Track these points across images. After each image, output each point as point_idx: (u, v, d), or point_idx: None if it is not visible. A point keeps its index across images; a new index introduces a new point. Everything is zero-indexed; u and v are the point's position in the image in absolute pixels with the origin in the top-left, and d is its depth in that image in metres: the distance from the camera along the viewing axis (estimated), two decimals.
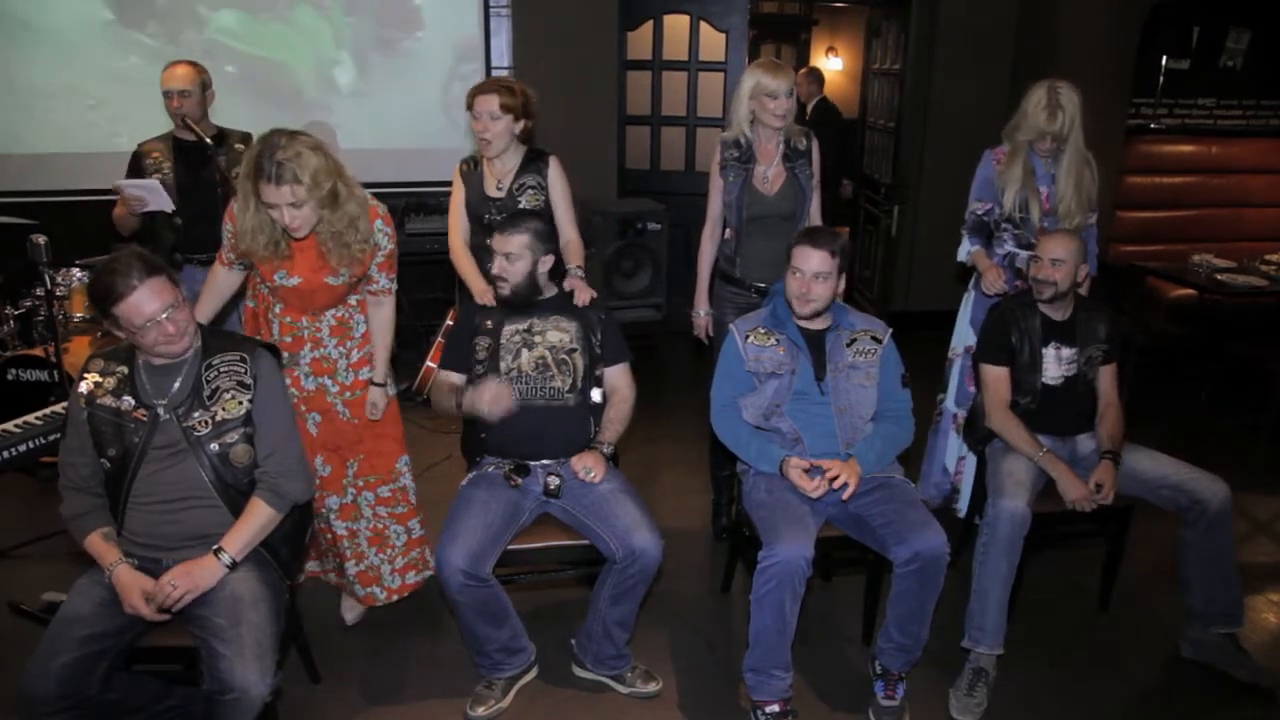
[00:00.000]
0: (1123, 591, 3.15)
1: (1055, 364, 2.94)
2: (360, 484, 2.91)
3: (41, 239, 3.37)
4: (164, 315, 2.15)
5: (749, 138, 3.23)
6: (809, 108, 6.69)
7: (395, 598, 3.01)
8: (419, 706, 2.68)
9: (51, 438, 2.93)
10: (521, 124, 3.08)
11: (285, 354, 2.72)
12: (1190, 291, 5.08)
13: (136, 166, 3.64)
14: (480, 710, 2.61)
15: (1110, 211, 5.60)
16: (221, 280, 2.79)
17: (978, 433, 3.07)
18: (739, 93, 3.20)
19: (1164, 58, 5.64)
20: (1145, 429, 3.25)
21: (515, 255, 2.69)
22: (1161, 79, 5.68)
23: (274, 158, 2.41)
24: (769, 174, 3.22)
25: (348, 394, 2.83)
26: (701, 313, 3.43)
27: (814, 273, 2.63)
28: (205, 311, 2.78)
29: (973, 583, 2.72)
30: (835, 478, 2.53)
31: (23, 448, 2.87)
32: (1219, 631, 2.81)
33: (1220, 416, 4.89)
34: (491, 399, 2.59)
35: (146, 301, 2.13)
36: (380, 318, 2.84)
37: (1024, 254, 3.25)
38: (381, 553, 2.97)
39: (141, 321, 2.14)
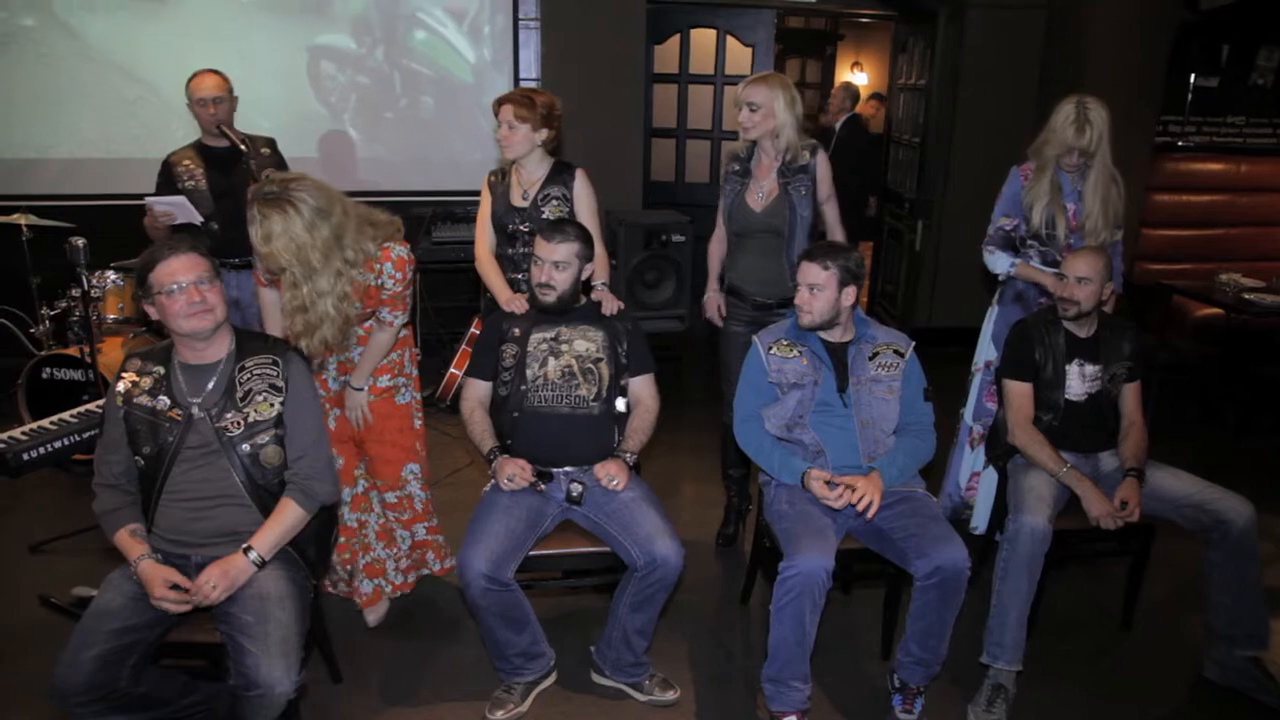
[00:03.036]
0: (1145, 611, 3.13)
1: (1079, 381, 2.93)
2: (369, 482, 2.99)
3: (80, 241, 3.44)
4: (192, 282, 2.21)
5: (748, 151, 3.31)
6: (838, 124, 6.70)
7: (398, 593, 3.10)
8: (438, 709, 2.70)
9: (85, 435, 2.98)
10: (543, 133, 3.11)
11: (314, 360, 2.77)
12: (1217, 311, 5.04)
13: (167, 175, 3.71)
14: (499, 714, 2.62)
15: (1136, 229, 5.57)
16: (268, 299, 2.85)
17: (999, 448, 3.06)
18: None
19: (1193, 75, 5.62)
20: (1169, 448, 3.23)
21: (565, 263, 2.72)
22: (1190, 96, 5.66)
23: (264, 195, 2.45)
24: (763, 189, 3.25)
25: (371, 396, 2.89)
26: (711, 293, 3.52)
27: (808, 285, 2.67)
28: (276, 331, 2.85)
29: (992, 598, 2.72)
30: (861, 498, 2.53)
31: (57, 444, 2.92)
32: (1243, 654, 2.79)
33: (1246, 437, 4.85)
34: (508, 477, 2.63)
35: (179, 268, 2.20)
36: (377, 338, 2.84)
37: (1049, 271, 3.24)
38: (389, 549, 3.05)
39: (171, 284, 2.19)
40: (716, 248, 3.48)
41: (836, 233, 3.32)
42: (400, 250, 2.74)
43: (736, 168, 3.32)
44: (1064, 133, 3.11)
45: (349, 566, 3.05)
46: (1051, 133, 3.16)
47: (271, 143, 3.86)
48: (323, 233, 2.49)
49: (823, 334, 2.74)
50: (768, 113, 3.16)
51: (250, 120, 3.91)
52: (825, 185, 3.27)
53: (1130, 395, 2.98)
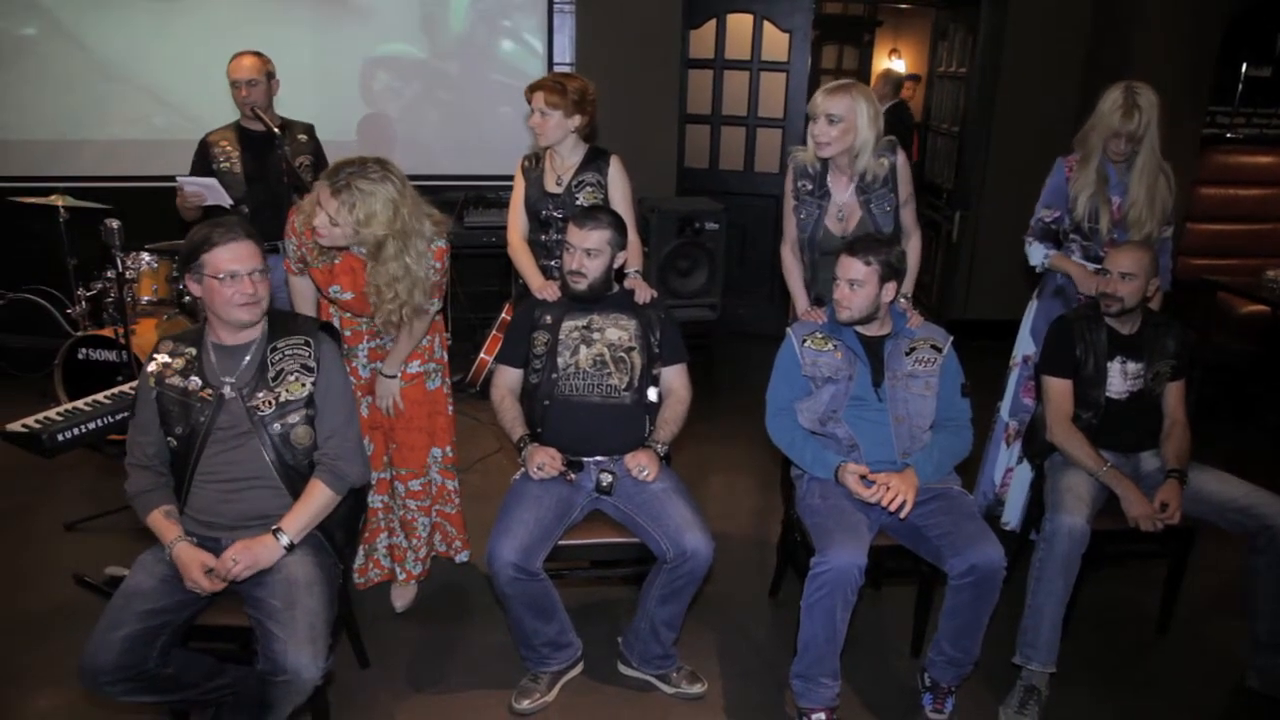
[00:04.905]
0: (1183, 615, 3.06)
1: (1121, 378, 2.86)
2: (396, 471, 2.99)
3: (115, 223, 3.45)
4: (249, 272, 2.21)
5: (819, 167, 3.00)
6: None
7: (412, 581, 3.10)
8: (465, 696, 2.70)
9: (119, 416, 3.00)
10: (576, 120, 3.07)
11: (345, 346, 2.78)
12: (1262, 308, 4.93)
13: (204, 155, 3.72)
14: (525, 703, 2.62)
15: (1181, 223, 5.45)
16: (299, 287, 2.86)
17: (1037, 445, 3.00)
18: None
19: (1244, 65, 5.47)
20: (1211, 449, 3.14)
21: (596, 250, 2.70)
22: (1240, 87, 5.51)
23: (350, 174, 2.46)
24: (843, 210, 3.00)
25: (402, 382, 2.89)
26: (808, 312, 2.97)
27: (848, 280, 2.61)
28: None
29: (1027, 598, 2.67)
30: (894, 498, 2.48)
31: (91, 425, 2.94)
32: None
33: None
34: (537, 466, 2.61)
35: (240, 256, 2.21)
36: (411, 324, 2.82)
37: (1090, 266, 3.17)
38: (410, 539, 3.04)
39: (228, 271, 2.19)
40: (794, 263, 3.16)
41: (913, 236, 3.12)
42: (440, 241, 2.75)
43: (810, 187, 3.01)
44: (1111, 117, 3.02)
45: (367, 545, 3.06)
46: (1099, 117, 3.07)
47: (310, 129, 3.86)
48: (409, 196, 2.58)
49: (859, 328, 2.69)
50: (849, 127, 2.85)
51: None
52: (906, 187, 3.01)
53: (1173, 394, 2.91)
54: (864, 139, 2.89)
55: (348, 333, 2.85)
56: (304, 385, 2.32)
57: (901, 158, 3.02)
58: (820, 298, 3.13)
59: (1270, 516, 2.63)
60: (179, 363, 2.30)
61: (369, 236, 2.52)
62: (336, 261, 2.70)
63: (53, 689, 2.65)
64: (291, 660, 2.05)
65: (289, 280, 2.87)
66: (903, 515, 2.50)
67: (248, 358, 2.31)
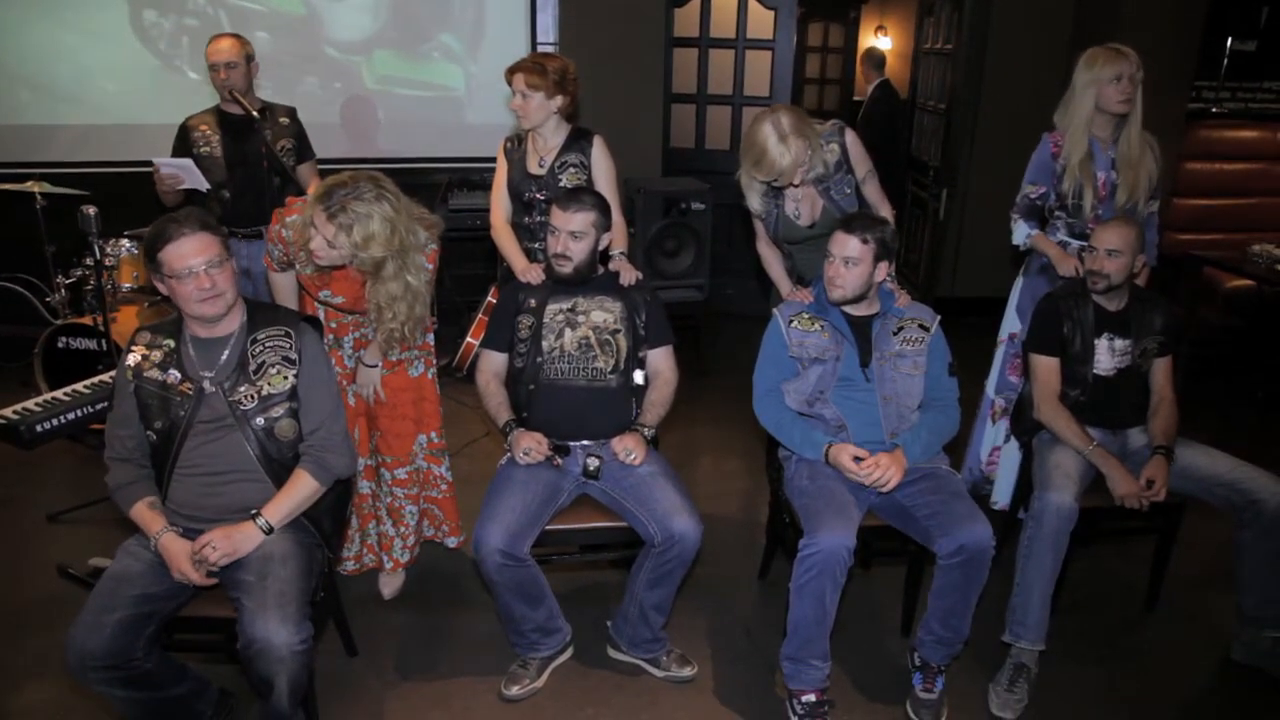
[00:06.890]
0: (1171, 591, 3.07)
1: (1108, 355, 2.86)
2: (381, 459, 2.96)
3: (91, 210, 3.40)
4: (203, 267, 2.17)
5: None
6: (868, 90, 6.61)
7: (399, 569, 3.08)
8: (454, 683, 2.69)
9: (99, 406, 2.97)
10: (558, 100, 3.03)
11: (330, 336, 2.76)
12: (1249, 282, 4.94)
13: (184, 140, 3.66)
14: (514, 689, 2.61)
15: (1167, 199, 5.44)
16: (280, 283, 2.81)
17: (1025, 424, 3.00)
18: None
19: (1230, 39, 5.45)
20: (1197, 424, 3.15)
21: (581, 233, 2.67)
22: (1226, 61, 5.49)
23: (345, 196, 2.40)
24: (800, 205, 3.02)
25: (383, 370, 2.87)
26: (794, 292, 3.01)
27: (843, 258, 2.58)
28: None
29: (1016, 577, 2.67)
30: (878, 478, 2.48)
31: (71, 415, 2.91)
32: (1272, 636, 2.73)
33: (1276, 412, 4.75)
34: (524, 450, 2.59)
35: (191, 251, 2.16)
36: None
37: (1076, 244, 3.16)
38: (396, 527, 3.02)
39: (182, 268, 2.15)
40: (771, 254, 3.19)
41: (882, 209, 3.05)
42: (432, 244, 2.71)
43: (763, 189, 3.01)
44: (1103, 69, 3.00)
45: (360, 531, 3.04)
46: (1085, 78, 3.04)
47: (291, 111, 3.81)
48: (404, 209, 2.51)
49: (847, 308, 2.67)
50: (798, 162, 2.82)
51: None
52: (861, 165, 2.99)
53: (1160, 371, 2.90)
54: (813, 164, 2.90)
55: (333, 324, 2.82)
56: (286, 378, 2.29)
57: (850, 137, 2.99)
58: (802, 278, 3.13)
59: (1256, 491, 2.64)
60: (157, 355, 2.26)
61: (367, 259, 2.48)
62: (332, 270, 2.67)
63: (38, 682, 2.63)
64: (259, 629, 2.02)
65: (269, 276, 2.83)
66: (886, 489, 2.50)
67: (227, 351, 2.28)
